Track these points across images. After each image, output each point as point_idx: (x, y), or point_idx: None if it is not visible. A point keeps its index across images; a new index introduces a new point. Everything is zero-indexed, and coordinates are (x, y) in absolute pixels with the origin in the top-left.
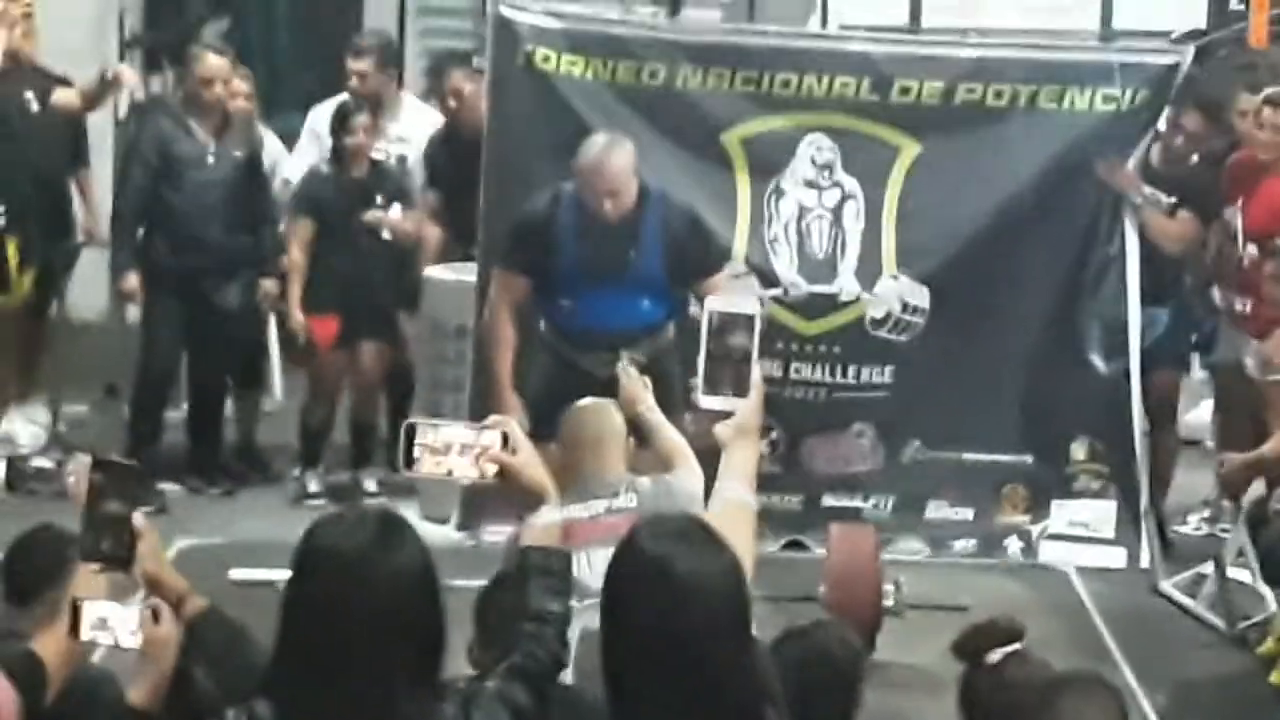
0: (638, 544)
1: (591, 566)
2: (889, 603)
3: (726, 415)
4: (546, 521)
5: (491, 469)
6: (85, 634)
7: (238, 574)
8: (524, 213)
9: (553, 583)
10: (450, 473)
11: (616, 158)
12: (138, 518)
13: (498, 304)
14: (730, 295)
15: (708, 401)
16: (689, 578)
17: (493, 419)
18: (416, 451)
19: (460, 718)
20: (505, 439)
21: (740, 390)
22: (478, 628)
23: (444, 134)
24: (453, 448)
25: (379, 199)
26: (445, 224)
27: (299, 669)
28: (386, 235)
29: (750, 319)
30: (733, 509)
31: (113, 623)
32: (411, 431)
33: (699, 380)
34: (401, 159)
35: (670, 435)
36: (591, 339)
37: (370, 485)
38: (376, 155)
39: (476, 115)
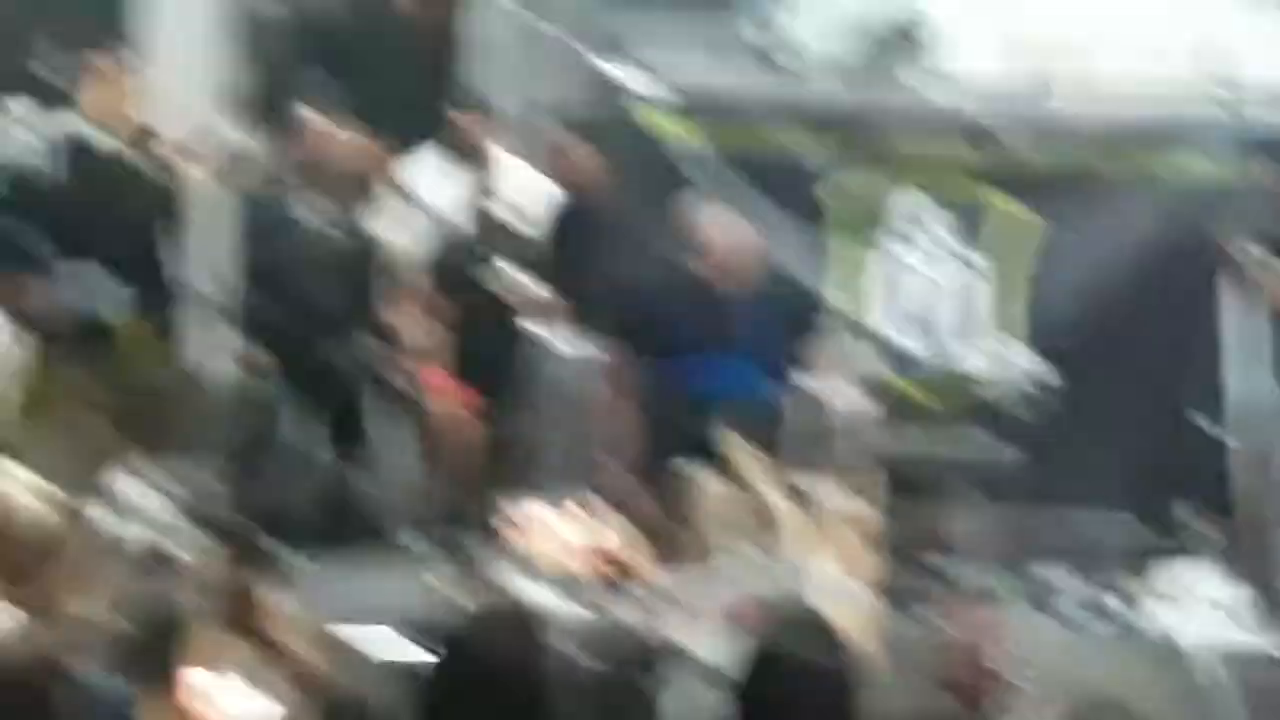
0: (761, 639)
1: (704, 641)
2: (1006, 679)
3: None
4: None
5: (607, 569)
6: (194, 706)
7: (342, 637)
8: (633, 279)
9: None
10: (566, 568)
11: (728, 229)
12: (263, 586)
13: (607, 372)
14: (831, 378)
15: (806, 483)
16: (811, 675)
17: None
18: (524, 530)
19: None
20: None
21: (837, 470)
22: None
23: (553, 197)
24: (563, 535)
25: (497, 258)
26: (553, 287)
27: None
28: (508, 295)
29: (834, 405)
30: (843, 600)
31: (223, 696)
32: (518, 509)
33: (797, 459)
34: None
35: (778, 505)
36: (700, 407)
37: (479, 550)
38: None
39: (584, 178)
